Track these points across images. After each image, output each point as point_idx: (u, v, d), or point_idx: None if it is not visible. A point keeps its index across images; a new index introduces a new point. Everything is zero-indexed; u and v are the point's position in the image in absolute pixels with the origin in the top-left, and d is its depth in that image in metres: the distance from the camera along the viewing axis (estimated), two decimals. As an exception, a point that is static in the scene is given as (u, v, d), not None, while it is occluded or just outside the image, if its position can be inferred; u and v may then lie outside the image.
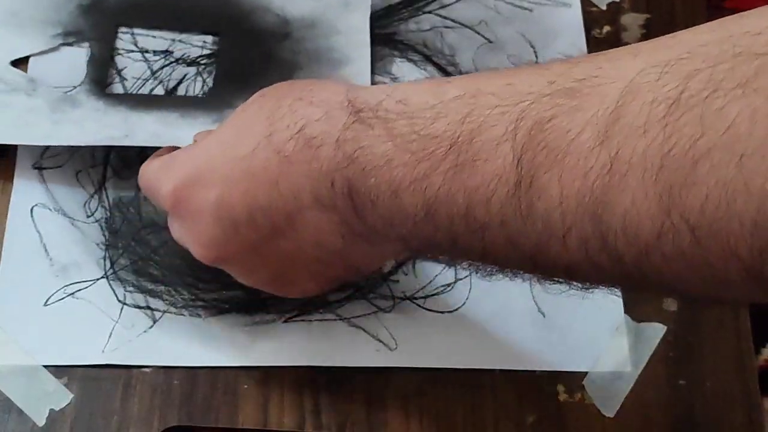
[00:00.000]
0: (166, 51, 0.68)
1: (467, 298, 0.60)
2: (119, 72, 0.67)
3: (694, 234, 0.37)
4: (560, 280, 0.45)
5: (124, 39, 0.68)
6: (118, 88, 0.66)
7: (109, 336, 0.58)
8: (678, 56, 0.38)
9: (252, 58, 0.67)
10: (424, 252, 0.50)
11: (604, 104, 0.39)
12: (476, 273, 0.49)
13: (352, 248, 0.50)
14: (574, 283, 0.45)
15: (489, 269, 0.48)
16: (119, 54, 0.67)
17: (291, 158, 0.48)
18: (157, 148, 0.58)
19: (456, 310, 0.60)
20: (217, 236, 0.51)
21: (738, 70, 0.36)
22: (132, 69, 0.67)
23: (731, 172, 0.36)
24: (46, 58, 0.67)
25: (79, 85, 0.65)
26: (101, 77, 0.66)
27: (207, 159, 0.51)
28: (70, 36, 0.67)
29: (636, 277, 0.41)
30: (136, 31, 0.68)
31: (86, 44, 0.67)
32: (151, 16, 0.69)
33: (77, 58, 0.67)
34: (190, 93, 0.66)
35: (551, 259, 0.42)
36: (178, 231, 0.54)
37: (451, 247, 0.46)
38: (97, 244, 0.61)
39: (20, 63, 0.66)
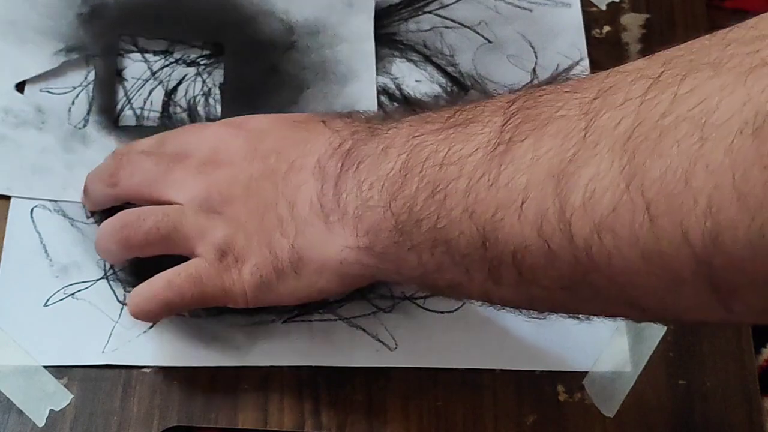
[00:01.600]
0: (166, 51, 0.68)
1: (467, 298, 0.60)
2: (127, 94, 0.66)
3: (649, 211, 0.38)
4: (509, 281, 0.45)
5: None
6: (127, 116, 0.66)
7: (109, 336, 0.58)
8: (671, 51, 0.40)
9: (258, 78, 0.67)
10: (376, 239, 0.49)
11: (594, 86, 0.41)
12: (424, 284, 0.50)
13: (307, 225, 0.51)
14: (522, 275, 0.44)
15: (436, 261, 0.47)
16: (119, 55, 0.67)
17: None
18: None
19: (456, 310, 0.60)
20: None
21: (713, 53, 0.37)
22: (132, 69, 0.67)
23: (694, 145, 0.36)
24: (49, 78, 0.66)
25: (87, 115, 0.65)
26: (109, 104, 0.65)
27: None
28: (73, 52, 0.67)
29: (584, 267, 0.41)
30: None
31: (90, 66, 0.67)
32: (153, 25, 0.68)
33: (81, 79, 0.66)
34: (190, 94, 0.66)
35: (502, 238, 0.43)
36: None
37: (406, 220, 0.46)
38: (97, 245, 0.61)
39: (21, 86, 0.66)
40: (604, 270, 0.40)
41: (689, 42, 0.40)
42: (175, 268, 0.55)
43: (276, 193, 0.53)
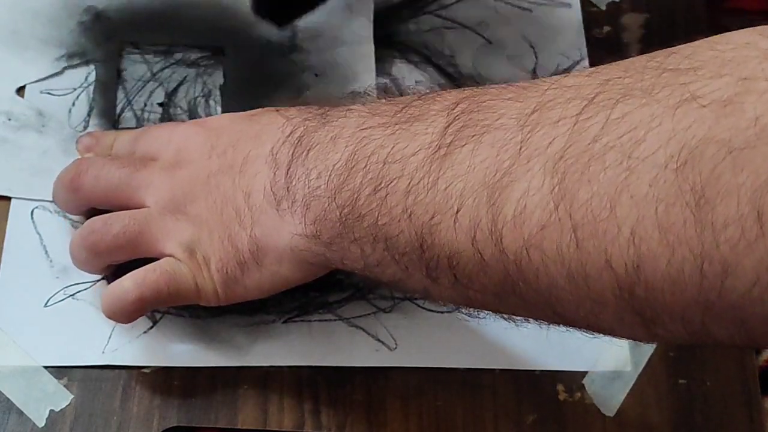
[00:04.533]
0: (167, 52, 0.68)
1: (467, 298, 0.60)
2: (127, 95, 0.66)
3: (575, 234, 0.38)
4: (446, 283, 0.45)
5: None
6: (127, 117, 0.66)
7: (109, 337, 0.58)
8: (612, 68, 0.41)
9: (259, 80, 0.67)
10: (322, 228, 0.49)
11: (534, 97, 0.42)
12: (368, 277, 0.50)
13: (262, 214, 0.51)
14: (458, 279, 0.45)
15: (377, 257, 0.47)
16: (119, 56, 0.68)
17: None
18: None
19: (456, 310, 0.60)
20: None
21: (648, 78, 0.38)
22: (132, 71, 0.67)
23: (621, 175, 0.37)
24: (50, 83, 0.66)
25: (87, 117, 0.65)
26: (109, 107, 0.66)
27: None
28: (74, 57, 0.67)
29: (513, 280, 0.41)
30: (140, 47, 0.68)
31: (91, 67, 0.67)
32: (155, 30, 0.68)
33: (81, 80, 0.67)
34: (191, 95, 0.66)
35: (438, 242, 0.43)
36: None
37: (349, 213, 0.47)
38: (97, 246, 0.61)
39: (22, 89, 0.66)
40: (532, 285, 0.41)
41: (631, 60, 0.41)
42: (147, 266, 0.55)
43: (234, 187, 0.53)
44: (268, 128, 0.53)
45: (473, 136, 0.42)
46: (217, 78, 0.67)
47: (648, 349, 0.59)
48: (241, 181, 0.53)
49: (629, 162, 0.37)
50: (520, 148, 0.40)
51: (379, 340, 0.59)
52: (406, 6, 0.71)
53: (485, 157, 0.41)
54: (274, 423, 0.57)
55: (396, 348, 0.59)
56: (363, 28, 0.69)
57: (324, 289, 0.60)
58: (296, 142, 0.51)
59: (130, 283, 0.54)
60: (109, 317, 0.55)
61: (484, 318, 0.49)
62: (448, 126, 0.44)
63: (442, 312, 0.60)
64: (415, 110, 0.46)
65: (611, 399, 0.58)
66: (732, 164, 0.35)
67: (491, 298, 0.45)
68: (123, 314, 0.55)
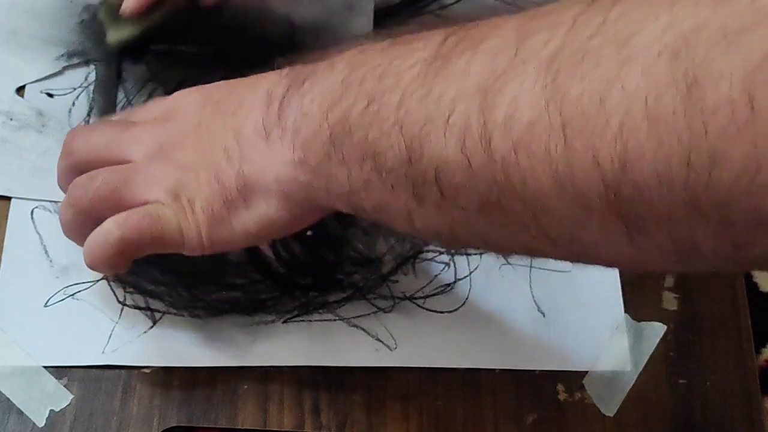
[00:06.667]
0: (167, 52, 0.68)
1: (467, 298, 0.60)
2: (127, 95, 0.66)
3: (564, 132, 0.38)
4: (431, 201, 0.45)
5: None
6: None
7: (109, 337, 0.58)
8: None
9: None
10: (310, 151, 0.48)
11: (533, 10, 0.41)
12: (352, 206, 0.49)
13: (251, 148, 0.51)
14: (443, 194, 0.44)
15: (363, 178, 0.47)
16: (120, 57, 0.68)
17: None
18: None
19: (456, 310, 0.60)
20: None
21: None
22: (131, 70, 0.67)
23: (613, 69, 0.36)
24: (50, 83, 0.66)
25: (87, 117, 0.65)
26: (109, 106, 0.66)
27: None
28: (74, 57, 0.67)
29: (501, 187, 0.41)
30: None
31: (91, 66, 0.67)
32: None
33: (81, 80, 0.67)
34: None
35: (427, 153, 0.43)
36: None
37: (339, 131, 0.46)
38: (97, 245, 0.61)
39: (22, 89, 0.66)
40: (519, 191, 0.40)
41: None
42: (130, 209, 0.53)
43: (224, 127, 0.52)
44: (265, 75, 0.53)
45: (470, 46, 0.42)
46: (217, 78, 0.67)
47: (648, 349, 0.59)
48: (233, 121, 0.52)
49: (623, 54, 0.36)
50: (516, 52, 0.40)
51: (379, 340, 0.59)
52: (406, 6, 0.71)
53: (480, 63, 0.41)
54: (274, 423, 0.57)
55: (396, 348, 0.59)
56: (363, 28, 0.69)
57: (324, 289, 0.60)
58: (293, 77, 0.50)
59: (111, 224, 0.53)
60: (90, 265, 0.54)
61: (467, 255, 0.48)
62: (446, 40, 0.43)
63: (442, 312, 0.60)
64: (414, 35, 0.46)
65: (611, 399, 0.58)
66: (726, 48, 0.34)
67: (476, 218, 0.44)
68: (104, 259, 0.53)
